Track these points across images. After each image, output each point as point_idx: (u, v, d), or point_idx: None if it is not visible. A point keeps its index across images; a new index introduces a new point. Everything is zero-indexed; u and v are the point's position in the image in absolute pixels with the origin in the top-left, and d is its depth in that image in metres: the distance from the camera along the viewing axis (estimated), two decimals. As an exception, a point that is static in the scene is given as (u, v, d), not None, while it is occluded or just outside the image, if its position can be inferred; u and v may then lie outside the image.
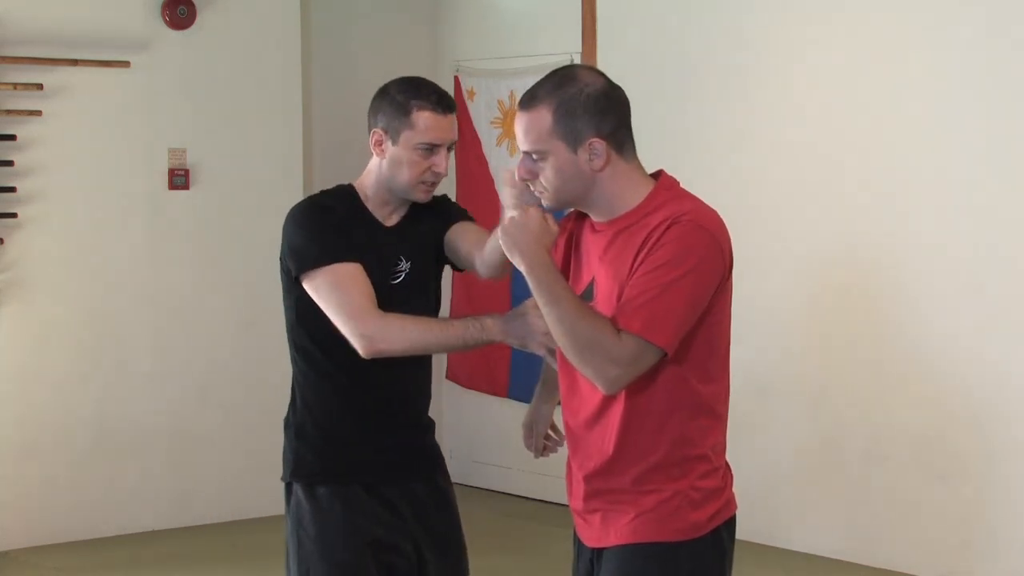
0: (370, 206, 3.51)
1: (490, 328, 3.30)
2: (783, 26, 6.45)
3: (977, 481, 5.88)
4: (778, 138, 6.48)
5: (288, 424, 3.62)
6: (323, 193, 3.58)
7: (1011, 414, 5.77)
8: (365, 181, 3.54)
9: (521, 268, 2.85)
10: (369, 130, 3.50)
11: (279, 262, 3.57)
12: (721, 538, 2.91)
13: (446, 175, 3.49)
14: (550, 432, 3.48)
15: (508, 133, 7.57)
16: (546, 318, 2.83)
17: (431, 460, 3.69)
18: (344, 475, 3.53)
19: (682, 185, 2.98)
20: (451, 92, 7.83)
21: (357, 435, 3.53)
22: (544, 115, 2.86)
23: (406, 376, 3.62)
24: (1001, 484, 5.81)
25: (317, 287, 3.41)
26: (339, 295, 3.37)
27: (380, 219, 3.52)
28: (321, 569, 3.50)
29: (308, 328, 3.51)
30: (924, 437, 6.02)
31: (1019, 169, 5.73)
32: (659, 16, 6.91)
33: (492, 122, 7.67)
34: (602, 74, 2.93)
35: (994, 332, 5.82)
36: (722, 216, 2.91)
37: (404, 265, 3.53)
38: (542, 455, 3.50)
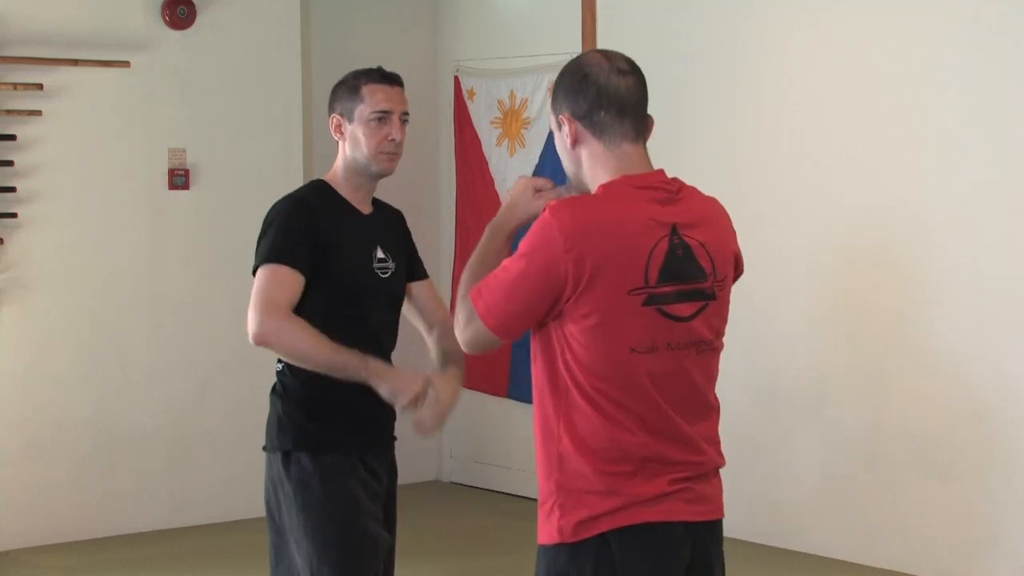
0: (344, 193, 3.78)
1: (371, 371, 3.57)
2: (783, 25, 6.45)
3: (977, 481, 5.88)
4: (778, 138, 6.48)
5: (284, 397, 3.75)
6: (300, 190, 3.86)
7: (1011, 414, 5.77)
8: (335, 172, 3.81)
9: None
10: (329, 119, 3.80)
11: None
12: (607, 544, 2.85)
13: (401, 139, 3.74)
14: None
15: (508, 133, 7.57)
16: None
17: (393, 431, 3.90)
18: (348, 445, 3.71)
19: (643, 185, 2.86)
20: (451, 92, 7.90)
21: (362, 407, 3.70)
22: (553, 88, 3.01)
23: (390, 350, 3.84)
24: (1001, 484, 5.81)
25: (256, 279, 3.65)
26: (263, 288, 3.61)
27: (356, 205, 3.79)
28: (334, 533, 3.63)
29: (313, 306, 3.67)
30: (924, 437, 6.02)
31: (1020, 169, 5.73)
32: (659, 16, 6.90)
33: (492, 122, 7.66)
34: (611, 61, 2.89)
35: (994, 332, 5.82)
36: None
37: (391, 264, 3.79)
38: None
